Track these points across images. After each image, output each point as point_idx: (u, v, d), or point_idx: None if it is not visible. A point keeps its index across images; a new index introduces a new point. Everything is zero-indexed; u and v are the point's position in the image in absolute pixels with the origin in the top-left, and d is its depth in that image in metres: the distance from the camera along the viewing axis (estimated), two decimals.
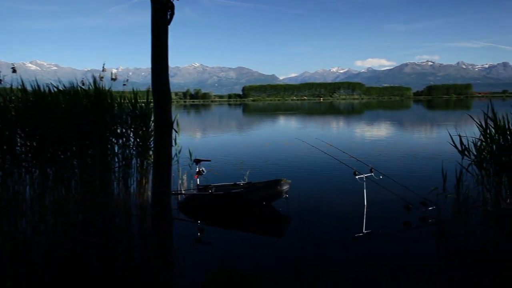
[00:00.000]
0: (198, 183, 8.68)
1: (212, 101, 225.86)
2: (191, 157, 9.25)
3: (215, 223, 7.84)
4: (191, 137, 24.13)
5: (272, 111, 68.82)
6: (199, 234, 7.23)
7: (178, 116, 9.02)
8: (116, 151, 8.18)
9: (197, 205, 8.43)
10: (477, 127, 7.17)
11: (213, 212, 8.23)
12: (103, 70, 7.76)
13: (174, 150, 8.97)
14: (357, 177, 8.13)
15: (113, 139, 8.17)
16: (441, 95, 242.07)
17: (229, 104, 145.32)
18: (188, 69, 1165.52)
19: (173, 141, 8.95)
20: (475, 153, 7.06)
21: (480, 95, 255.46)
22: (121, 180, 8.17)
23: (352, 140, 21.53)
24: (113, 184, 8.10)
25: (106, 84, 8.03)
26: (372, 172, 8.34)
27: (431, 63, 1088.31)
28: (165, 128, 3.78)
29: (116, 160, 8.17)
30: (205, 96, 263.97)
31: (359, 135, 24.30)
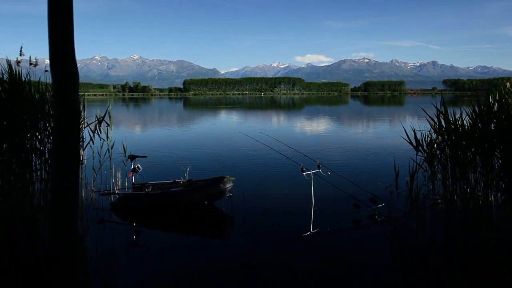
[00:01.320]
0: (133, 181, 7.92)
1: (152, 95, 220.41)
2: (125, 153, 8.45)
3: (153, 225, 7.16)
4: (130, 132, 22.97)
5: (214, 105, 67.92)
6: (134, 237, 6.55)
7: (111, 107, 8.20)
8: (37, 145, 7.19)
9: (132, 206, 7.67)
10: (428, 122, 6.96)
11: (150, 213, 7.53)
12: (20, 54, 6.77)
13: (106, 145, 8.17)
14: (304, 173, 7.73)
15: (33, 132, 7.16)
16: (376, 91, 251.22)
17: (170, 98, 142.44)
18: (126, 61, 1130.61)
19: (105, 136, 8.14)
20: (426, 149, 6.84)
21: (412, 91, 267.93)
22: (43, 179, 7.20)
23: (296, 134, 21.39)
24: (34, 184, 7.12)
25: (25, 71, 7.03)
26: (319, 168, 7.98)
27: (367, 60, 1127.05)
28: (71, 115, 2.94)
29: (35, 156, 7.16)
30: (145, 89, 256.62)
31: (303, 130, 24.24)
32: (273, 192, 8.93)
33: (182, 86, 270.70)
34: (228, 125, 29.30)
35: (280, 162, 10.71)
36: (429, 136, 6.84)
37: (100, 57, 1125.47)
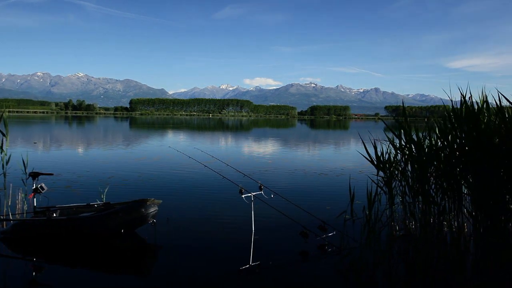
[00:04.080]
0: (35, 204, 6.42)
1: (96, 113, 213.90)
2: (25, 169, 6.91)
3: (57, 259, 5.72)
4: (67, 150, 21.02)
5: (160, 126, 65.71)
6: (34, 274, 5.16)
7: (7, 114, 6.73)
8: None
9: (29, 235, 6.18)
10: (389, 140, 6.05)
11: (53, 244, 6.09)
12: None
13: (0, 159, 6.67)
14: (243, 196, 6.59)
15: None
16: (322, 115, 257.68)
17: (115, 117, 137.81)
18: (71, 78, 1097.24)
19: None
20: (385, 169, 5.89)
21: (356, 116, 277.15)
22: None
23: (238, 155, 20.24)
24: None
25: None
26: (261, 190, 6.91)
27: (314, 85, 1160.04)
28: None
29: None
30: (89, 107, 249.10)
31: (247, 151, 23.09)
32: (207, 218, 7.68)
33: (128, 106, 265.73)
34: (168, 145, 27.74)
35: (216, 183, 9.62)
36: (388, 153, 5.92)
37: (43, 74, 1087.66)
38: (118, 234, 6.23)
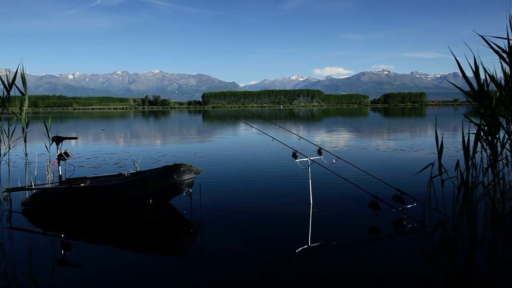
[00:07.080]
0: (60, 173, 5.62)
1: (171, 108, 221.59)
2: (48, 134, 6.13)
3: (79, 234, 4.85)
4: (129, 135, 21.06)
5: (232, 118, 65.76)
6: (63, 252, 4.30)
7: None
8: None
9: (51, 207, 5.39)
10: (489, 77, 4.54)
11: (76, 217, 5.26)
12: None
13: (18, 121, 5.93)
14: (297, 160, 5.37)
15: None
16: (397, 103, 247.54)
17: (189, 111, 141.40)
18: (147, 75, 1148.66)
19: (19, 109, 5.88)
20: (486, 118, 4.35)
21: (433, 103, 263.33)
22: None
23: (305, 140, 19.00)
24: None
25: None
26: (320, 155, 5.66)
27: (387, 72, 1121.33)
28: None
29: None
30: (164, 102, 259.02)
31: (318, 138, 21.79)
32: (256, 188, 6.56)
33: (201, 99, 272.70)
34: (243, 132, 27.04)
35: (267, 149, 8.49)
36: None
37: (121, 72, 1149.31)
38: (147, 205, 5.25)
